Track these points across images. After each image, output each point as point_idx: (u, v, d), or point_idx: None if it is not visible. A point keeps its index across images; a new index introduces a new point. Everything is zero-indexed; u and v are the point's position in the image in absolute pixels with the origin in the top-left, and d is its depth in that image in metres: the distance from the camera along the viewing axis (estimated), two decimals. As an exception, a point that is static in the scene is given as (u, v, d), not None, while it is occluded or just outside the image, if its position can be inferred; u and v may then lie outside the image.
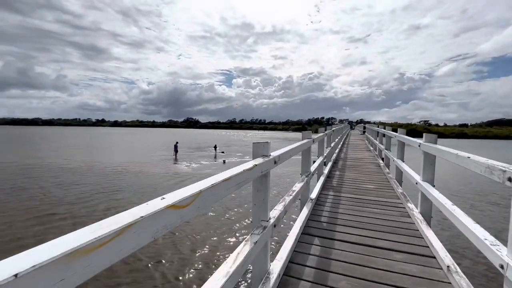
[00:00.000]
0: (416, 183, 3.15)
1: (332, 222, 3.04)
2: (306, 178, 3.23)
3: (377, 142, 9.08)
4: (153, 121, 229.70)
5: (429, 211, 3.06)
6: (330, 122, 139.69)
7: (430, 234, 2.52)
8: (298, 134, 5.73)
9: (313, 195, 3.80)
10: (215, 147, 27.63)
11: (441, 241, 2.44)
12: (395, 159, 4.92)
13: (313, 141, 3.67)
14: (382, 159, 8.23)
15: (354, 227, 2.89)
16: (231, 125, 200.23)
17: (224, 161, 19.62)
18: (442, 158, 2.36)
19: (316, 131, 7.20)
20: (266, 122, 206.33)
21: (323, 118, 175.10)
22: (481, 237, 1.58)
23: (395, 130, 6.48)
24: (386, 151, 6.40)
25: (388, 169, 6.41)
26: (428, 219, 2.98)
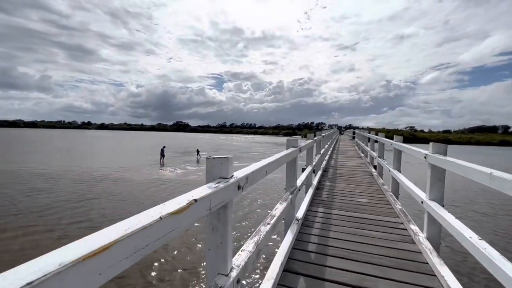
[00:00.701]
0: (422, 202, 2.63)
1: (323, 252, 2.45)
2: (290, 196, 2.65)
3: (368, 149, 8.65)
4: (142, 124, 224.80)
5: (437, 236, 2.54)
6: (319, 127, 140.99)
7: (446, 273, 1.97)
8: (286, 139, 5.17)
9: (300, 213, 3.22)
10: (198, 151, 26.58)
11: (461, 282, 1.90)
12: (391, 169, 4.43)
13: (300, 150, 3.11)
14: (375, 167, 7.78)
15: (349, 259, 2.31)
16: (221, 129, 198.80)
17: (210, 167, 18.87)
18: (462, 176, 1.83)
19: (305, 136, 6.70)
20: (257, 126, 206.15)
21: (313, 123, 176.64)
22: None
23: (388, 137, 6.04)
24: (379, 159, 5.93)
25: (382, 178, 5.93)
26: (437, 247, 2.46)
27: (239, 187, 1.25)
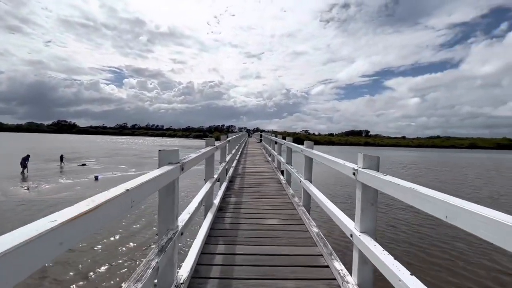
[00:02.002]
0: (351, 236, 1.92)
1: None
2: (156, 261, 1.41)
3: (276, 153, 8.37)
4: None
5: (370, 281, 1.88)
6: (230, 130, 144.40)
7: None
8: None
9: (186, 268, 2.01)
10: (62, 158, 21.04)
11: None
12: (302, 179, 3.86)
13: (183, 168, 1.91)
14: (282, 172, 7.48)
15: None
16: (121, 130, 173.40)
17: (96, 178, 15.03)
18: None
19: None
20: (165, 128, 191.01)
21: (223, 125, 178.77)
22: None
23: (296, 141, 5.68)
24: (288, 166, 5.45)
25: (291, 186, 5.49)
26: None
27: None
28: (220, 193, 4.35)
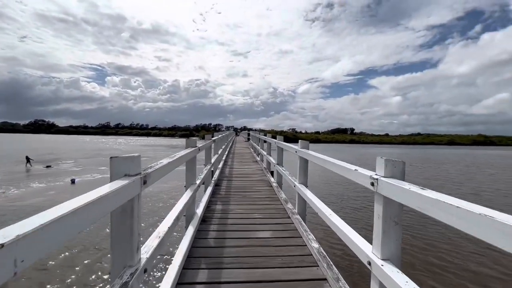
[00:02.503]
0: (369, 264, 1.50)
1: None
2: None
3: (265, 153, 7.94)
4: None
5: (394, 321, 1.46)
6: (217, 129, 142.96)
7: None
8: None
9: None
10: (28, 159, 19.83)
11: None
12: (296, 184, 3.43)
13: (145, 181, 1.41)
14: (272, 173, 7.06)
15: None
16: (104, 130, 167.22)
17: (73, 181, 14.01)
18: None
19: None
20: (150, 127, 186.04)
21: (210, 124, 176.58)
22: None
23: (284, 139, 5.26)
24: (279, 167, 5.02)
25: (282, 189, 5.06)
26: None
27: None
28: (204, 200, 3.85)
